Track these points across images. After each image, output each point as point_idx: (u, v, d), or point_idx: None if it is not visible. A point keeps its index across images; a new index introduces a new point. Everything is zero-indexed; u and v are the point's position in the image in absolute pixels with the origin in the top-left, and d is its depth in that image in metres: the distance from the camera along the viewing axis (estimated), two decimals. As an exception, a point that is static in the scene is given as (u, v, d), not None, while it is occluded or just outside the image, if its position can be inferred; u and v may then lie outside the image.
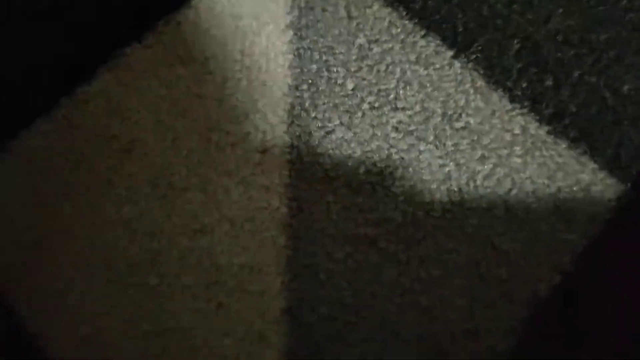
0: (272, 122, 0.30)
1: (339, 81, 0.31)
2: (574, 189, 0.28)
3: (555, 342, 0.26)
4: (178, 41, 0.32)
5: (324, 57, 0.31)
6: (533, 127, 0.29)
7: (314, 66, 0.31)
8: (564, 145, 0.29)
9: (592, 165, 0.28)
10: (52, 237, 0.28)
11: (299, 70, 0.31)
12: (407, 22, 0.31)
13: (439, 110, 0.30)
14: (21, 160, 0.30)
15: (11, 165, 0.30)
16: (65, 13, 0.33)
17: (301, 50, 0.32)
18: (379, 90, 0.30)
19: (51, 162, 0.30)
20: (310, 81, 0.31)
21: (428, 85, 0.30)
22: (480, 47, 0.31)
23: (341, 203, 0.28)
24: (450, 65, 0.31)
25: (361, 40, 0.31)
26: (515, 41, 0.31)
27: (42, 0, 0.33)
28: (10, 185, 0.29)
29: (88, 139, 0.30)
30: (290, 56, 0.32)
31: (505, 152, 0.29)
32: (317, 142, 0.29)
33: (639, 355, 0.26)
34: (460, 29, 0.31)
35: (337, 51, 0.31)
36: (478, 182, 0.28)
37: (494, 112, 0.30)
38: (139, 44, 0.32)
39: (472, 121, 0.29)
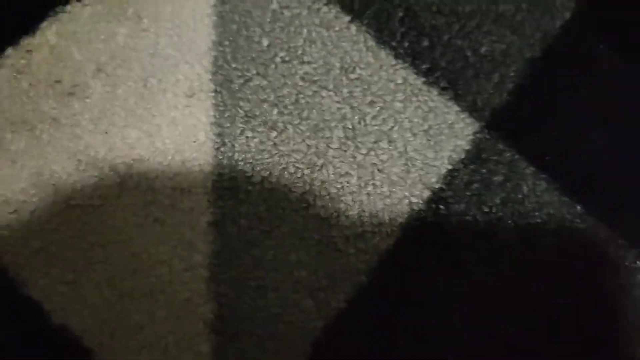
0: (198, 72, 0.35)
1: (256, 39, 0.36)
2: (442, 126, 0.35)
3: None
4: (115, 2, 0.37)
5: (243, 19, 0.37)
6: (412, 78, 0.36)
7: (234, 26, 0.36)
8: (435, 93, 0.36)
9: (456, 108, 0.36)
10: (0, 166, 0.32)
11: (221, 29, 0.37)
12: (311, -9, 0.37)
13: (337, 65, 0.36)
14: (-28, 101, 0.34)
15: (-37, 106, 0.34)
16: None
17: (223, 13, 0.37)
18: (289, 47, 0.36)
19: None
20: (231, 38, 0.36)
21: (329, 44, 0.36)
22: (371, 14, 0.38)
23: (258, 137, 0.34)
24: (348, 28, 0.37)
25: (274, 6, 0.37)
26: (399, 10, 0.38)
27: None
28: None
29: (33, 83, 0.34)
30: (214, 18, 0.37)
31: (389, 98, 0.36)
32: (237, 88, 0.35)
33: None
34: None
35: (254, 14, 0.37)
36: (367, 122, 0.35)
37: (381, 66, 0.36)
38: (79, 2, 0.36)
39: (363, 73, 0.36)
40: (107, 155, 0.33)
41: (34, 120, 0.33)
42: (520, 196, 0.34)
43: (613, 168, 0.35)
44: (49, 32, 0.35)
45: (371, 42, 0.37)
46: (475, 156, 0.35)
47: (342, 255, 0.32)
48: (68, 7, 0.36)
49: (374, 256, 0.32)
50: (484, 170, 0.35)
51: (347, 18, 0.37)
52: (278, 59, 0.36)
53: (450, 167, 0.35)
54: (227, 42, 0.36)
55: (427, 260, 0.33)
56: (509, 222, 0.34)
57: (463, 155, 0.35)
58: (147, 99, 0.34)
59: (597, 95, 0.36)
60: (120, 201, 0.32)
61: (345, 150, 0.34)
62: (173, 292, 0.30)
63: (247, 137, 0.34)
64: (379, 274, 0.32)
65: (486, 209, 0.34)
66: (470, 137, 0.35)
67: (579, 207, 0.34)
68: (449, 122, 0.35)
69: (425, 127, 0.35)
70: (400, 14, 0.38)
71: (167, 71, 0.35)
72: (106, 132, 0.33)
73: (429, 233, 0.33)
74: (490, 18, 0.38)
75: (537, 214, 0.34)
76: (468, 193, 0.34)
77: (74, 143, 0.33)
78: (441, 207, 0.34)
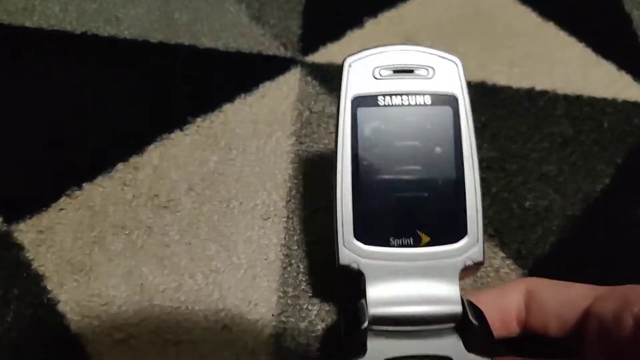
0: (274, 199, 0.41)
1: (325, 175, 0.42)
2: (488, 269, 0.39)
3: None
4: (210, 134, 0.43)
5: (315, 158, 0.42)
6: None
7: (308, 164, 0.42)
8: (482, 238, 0.40)
9: (501, 254, 0.39)
10: (99, 264, 0.37)
11: (297, 165, 0.42)
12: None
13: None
14: (81, 205, 0.39)
15: (73, 207, 0.39)
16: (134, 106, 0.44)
17: (299, 152, 0.43)
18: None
19: (105, 209, 0.39)
20: (304, 173, 0.42)
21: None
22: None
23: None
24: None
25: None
26: (454, 162, 0.43)
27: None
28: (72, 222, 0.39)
29: (136, 195, 0.40)
30: (292, 155, 0.43)
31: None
32: (305, 217, 0.40)
33: None
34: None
35: (324, 155, 0.43)
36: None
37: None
38: (181, 132, 0.43)
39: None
40: (188, 264, 0.37)
41: (132, 227, 0.38)
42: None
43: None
44: (154, 154, 0.42)
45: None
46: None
47: None
48: (172, 135, 0.43)
49: None
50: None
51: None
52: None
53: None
54: (301, 176, 0.41)
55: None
56: None
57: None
58: (228, 217, 0.39)
59: (633, 251, 0.40)
60: (195, 305, 0.36)
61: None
62: (233, 396, 0.33)
63: (311, 259, 0.38)
64: None
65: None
66: (514, 282, 0.38)
67: None
68: (495, 266, 0.39)
69: (473, 268, 0.39)
70: (455, 166, 0.43)
71: (248, 196, 0.40)
72: (190, 243, 0.38)
73: None
74: (534, 176, 0.43)
75: None
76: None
77: (162, 250, 0.38)
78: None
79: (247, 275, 0.37)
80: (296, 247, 0.38)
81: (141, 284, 0.36)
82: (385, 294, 0.28)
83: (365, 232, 0.28)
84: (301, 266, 0.38)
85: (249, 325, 0.35)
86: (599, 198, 0.42)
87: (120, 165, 0.41)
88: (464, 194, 0.29)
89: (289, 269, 0.38)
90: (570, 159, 0.44)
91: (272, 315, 0.36)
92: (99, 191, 0.40)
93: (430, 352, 0.27)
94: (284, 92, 0.46)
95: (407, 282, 0.28)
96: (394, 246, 0.28)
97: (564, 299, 0.30)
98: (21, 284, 0.36)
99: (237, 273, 0.37)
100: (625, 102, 0.48)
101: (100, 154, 0.42)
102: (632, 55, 0.52)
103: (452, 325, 0.28)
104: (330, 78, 0.47)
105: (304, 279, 0.37)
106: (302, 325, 0.35)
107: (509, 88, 0.48)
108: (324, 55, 0.49)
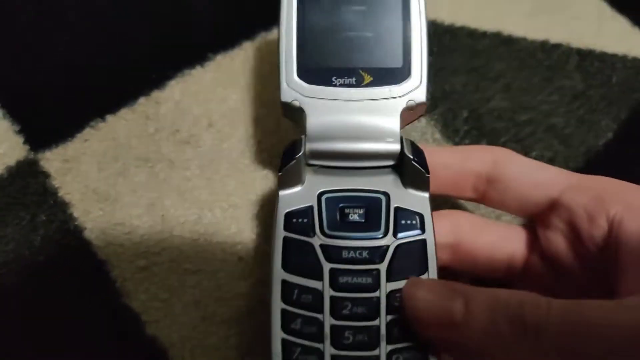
0: (292, 139, 0.42)
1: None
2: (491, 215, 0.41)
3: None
4: (231, 71, 0.44)
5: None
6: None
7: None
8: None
9: (505, 202, 0.41)
10: (123, 194, 0.39)
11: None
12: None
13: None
14: (105, 137, 0.40)
15: (97, 138, 0.40)
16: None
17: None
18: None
19: (128, 141, 0.40)
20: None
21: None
22: (440, 111, 0.44)
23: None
24: (419, 120, 0.43)
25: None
26: (464, 111, 0.44)
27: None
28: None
29: (158, 129, 0.41)
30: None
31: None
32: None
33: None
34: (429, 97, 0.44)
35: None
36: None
37: (445, 157, 0.42)
38: (202, 68, 0.44)
39: (429, 160, 0.42)
40: (208, 198, 0.39)
41: (154, 160, 0.40)
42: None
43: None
44: (176, 89, 0.42)
45: (437, 135, 0.43)
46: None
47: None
48: (193, 71, 0.43)
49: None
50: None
51: (421, 112, 0.43)
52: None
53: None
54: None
55: None
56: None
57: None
58: (246, 155, 0.41)
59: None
60: (213, 238, 0.38)
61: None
62: (248, 323, 0.36)
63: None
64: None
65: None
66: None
67: None
68: (497, 213, 0.41)
69: (477, 214, 0.41)
70: (465, 115, 0.44)
71: (266, 135, 0.42)
72: (209, 178, 0.40)
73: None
74: (542, 128, 0.44)
75: None
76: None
77: (183, 183, 0.39)
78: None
79: (264, 211, 0.39)
80: (311, 187, 0.40)
81: (162, 215, 0.38)
82: (325, 130, 0.29)
83: (308, 71, 0.29)
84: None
85: (263, 257, 0.37)
86: (601, 152, 0.44)
87: (142, 99, 0.42)
88: (409, 35, 0.30)
89: (303, 206, 0.39)
90: (578, 113, 0.45)
91: (286, 249, 0.38)
92: (122, 124, 0.41)
93: (366, 187, 0.28)
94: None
95: (347, 120, 0.29)
96: (336, 85, 0.29)
97: (532, 181, 0.29)
98: (49, 210, 0.38)
99: (254, 209, 0.39)
100: (635, 59, 0.49)
101: (122, 86, 0.42)
102: (647, 10, 0.52)
103: (391, 163, 0.29)
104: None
105: (317, 217, 0.39)
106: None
107: (524, 39, 0.48)
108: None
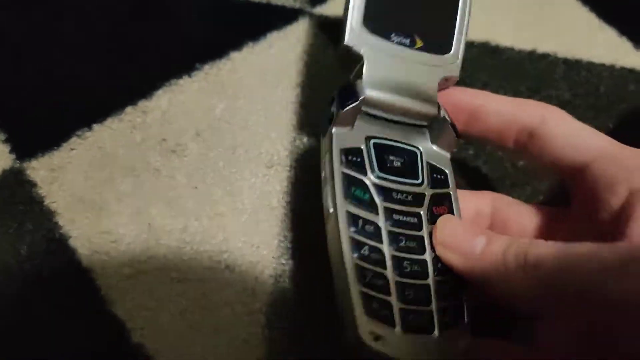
0: (278, 148, 0.42)
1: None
2: (478, 224, 0.41)
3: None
4: (218, 81, 0.44)
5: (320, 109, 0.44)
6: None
7: (312, 115, 0.43)
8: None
9: (492, 210, 0.41)
10: (109, 203, 0.39)
11: (301, 115, 0.43)
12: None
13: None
14: (92, 146, 0.40)
15: (83, 148, 0.40)
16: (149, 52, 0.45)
17: (304, 103, 0.44)
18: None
19: (114, 150, 0.40)
20: (309, 123, 0.43)
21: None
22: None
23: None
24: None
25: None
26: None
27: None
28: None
29: (144, 138, 0.41)
30: (297, 106, 0.44)
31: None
32: (309, 167, 0.41)
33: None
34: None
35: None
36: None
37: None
38: (189, 78, 0.44)
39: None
40: (194, 207, 0.39)
41: (141, 169, 0.40)
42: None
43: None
44: (163, 99, 0.43)
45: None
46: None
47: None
48: (180, 81, 0.43)
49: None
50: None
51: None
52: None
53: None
54: (304, 127, 0.43)
55: None
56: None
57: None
58: (233, 164, 0.41)
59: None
60: (199, 247, 0.38)
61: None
62: (234, 331, 0.35)
63: (311, 208, 0.40)
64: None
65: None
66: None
67: None
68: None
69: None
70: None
71: (253, 144, 0.42)
72: (196, 187, 0.40)
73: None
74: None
75: None
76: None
77: (170, 192, 0.39)
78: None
79: (250, 220, 0.39)
80: (297, 195, 0.40)
81: (149, 223, 0.38)
82: (380, 81, 0.31)
83: (372, 22, 0.32)
84: (301, 213, 0.40)
85: (250, 266, 0.37)
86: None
87: (129, 109, 0.42)
88: (456, 17, 0.34)
89: (290, 215, 0.39)
90: (565, 122, 0.45)
91: (273, 257, 0.38)
92: (108, 133, 0.41)
93: (405, 141, 0.32)
94: (291, 42, 0.46)
95: (399, 76, 0.32)
96: (393, 42, 0.32)
97: (571, 143, 0.31)
98: (35, 219, 0.37)
99: (240, 217, 0.39)
100: (623, 69, 0.49)
101: (109, 95, 0.42)
102: (635, 21, 0.52)
103: (424, 123, 0.33)
104: (337, 31, 0.48)
105: (303, 225, 0.39)
106: (300, 267, 0.38)
107: (512, 49, 0.49)
108: (331, 7, 0.49)
